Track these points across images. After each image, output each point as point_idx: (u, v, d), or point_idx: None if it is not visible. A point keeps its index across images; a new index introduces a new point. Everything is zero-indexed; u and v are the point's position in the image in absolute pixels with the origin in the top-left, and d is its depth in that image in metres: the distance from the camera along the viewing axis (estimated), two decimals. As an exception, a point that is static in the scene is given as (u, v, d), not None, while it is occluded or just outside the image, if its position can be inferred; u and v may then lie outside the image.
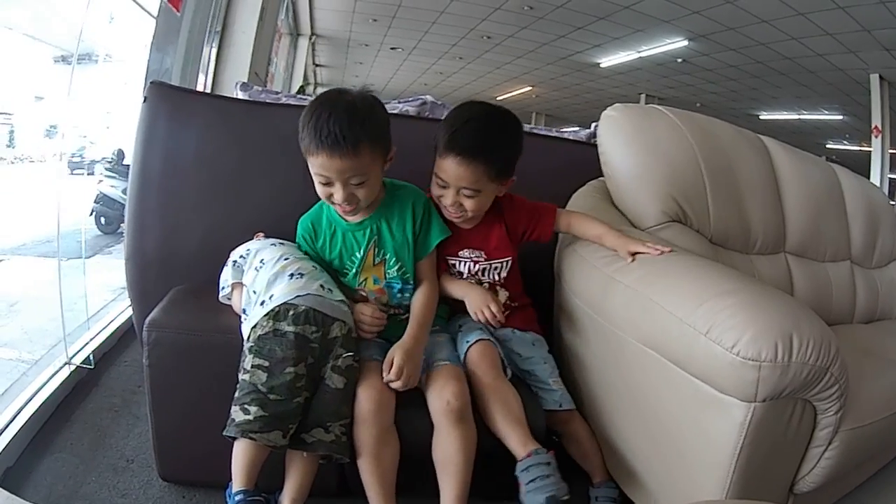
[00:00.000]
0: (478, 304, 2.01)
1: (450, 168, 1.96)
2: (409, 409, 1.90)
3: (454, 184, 1.97)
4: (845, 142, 18.78)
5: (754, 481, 1.60)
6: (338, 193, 1.86)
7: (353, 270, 2.04)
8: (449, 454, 1.83)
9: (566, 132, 3.26)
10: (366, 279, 2.06)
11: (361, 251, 2.03)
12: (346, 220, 2.02)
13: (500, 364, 2.01)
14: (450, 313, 2.22)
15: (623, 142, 2.37)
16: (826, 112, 15.82)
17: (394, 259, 2.04)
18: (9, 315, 4.28)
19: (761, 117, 16.98)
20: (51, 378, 2.63)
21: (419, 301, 2.05)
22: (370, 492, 1.84)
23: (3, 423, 2.24)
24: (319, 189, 1.90)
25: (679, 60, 13.17)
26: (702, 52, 12.40)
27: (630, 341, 1.83)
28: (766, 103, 15.85)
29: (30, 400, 2.44)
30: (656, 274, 1.84)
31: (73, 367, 2.75)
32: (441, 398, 1.86)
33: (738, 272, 1.90)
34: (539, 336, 2.24)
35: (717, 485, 1.60)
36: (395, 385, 1.84)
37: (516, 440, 1.83)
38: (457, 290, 2.11)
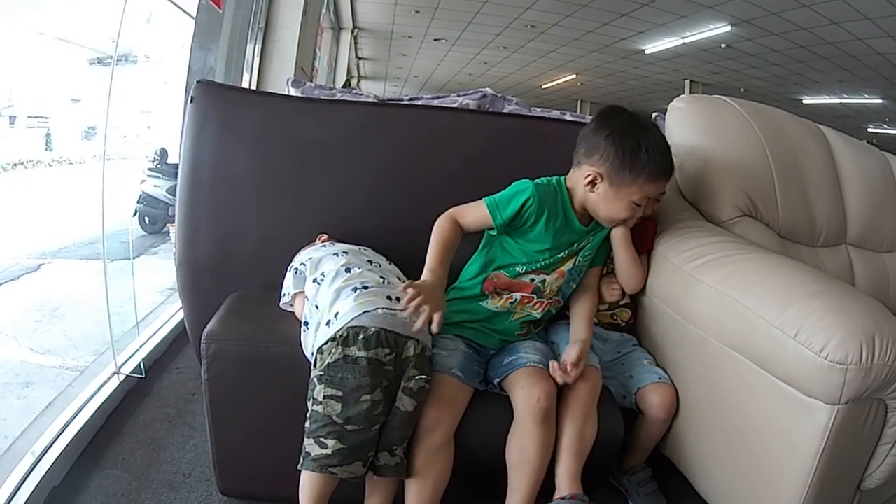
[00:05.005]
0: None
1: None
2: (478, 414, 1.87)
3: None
4: (885, 125, 18.88)
5: (829, 482, 1.57)
6: (640, 212, 1.96)
7: (547, 262, 1.97)
8: (527, 454, 1.78)
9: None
10: (560, 267, 2.01)
11: (571, 250, 1.99)
12: (582, 224, 2.00)
13: (598, 393, 1.93)
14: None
15: (694, 135, 2.37)
16: (867, 96, 15.79)
17: (588, 259, 2.06)
18: (51, 321, 4.26)
19: (805, 101, 16.91)
20: (100, 389, 2.55)
21: (587, 304, 2.08)
22: None
23: (49, 439, 2.16)
24: (622, 209, 1.92)
25: (723, 46, 13.12)
26: (745, 38, 12.34)
27: (712, 342, 1.81)
28: (809, 88, 15.77)
29: (78, 412, 2.35)
30: (740, 273, 1.81)
31: (122, 377, 2.67)
32: (531, 395, 1.79)
33: (817, 270, 1.87)
34: (629, 336, 2.24)
35: (796, 489, 1.58)
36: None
37: (567, 472, 1.81)
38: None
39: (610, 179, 1.88)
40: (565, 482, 1.79)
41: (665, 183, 1.93)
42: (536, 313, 2.01)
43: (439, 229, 1.92)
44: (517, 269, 1.96)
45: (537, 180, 1.95)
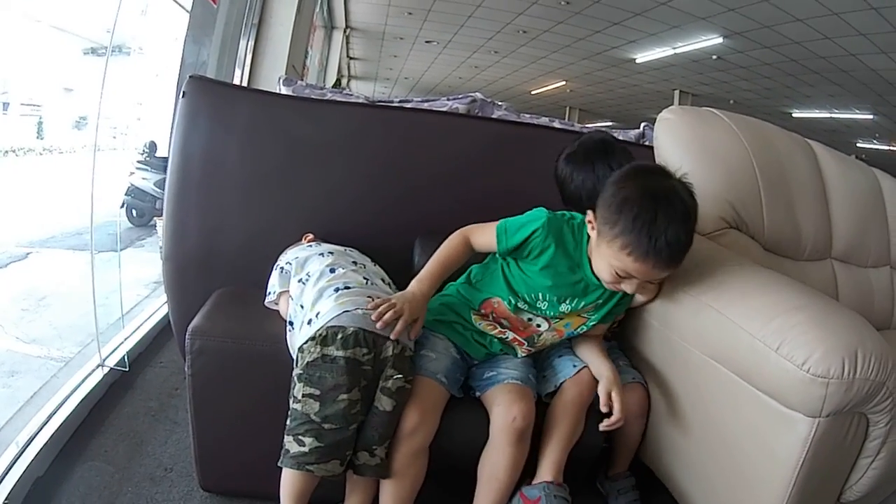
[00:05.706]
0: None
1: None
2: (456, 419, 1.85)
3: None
4: (875, 141, 18.83)
5: (809, 494, 1.57)
6: (631, 287, 1.74)
7: (551, 312, 1.89)
8: (496, 471, 1.79)
9: (596, 127, 3.23)
10: (560, 321, 1.92)
11: (584, 304, 1.88)
12: (593, 271, 1.82)
13: (593, 395, 1.89)
14: None
15: (681, 146, 2.34)
16: (857, 111, 15.77)
17: (599, 318, 1.93)
18: (37, 310, 4.25)
19: (794, 115, 16.89)
20: (84, 380, 2.55)
21: (598, 346, 1.98)
22: None
23: (33, 429, 2.16)
24: (603, 268, 1.73)
25: (714, 57, 13.09)
26: (736, 50, 12.33)
27: (695, 353, 1.79)
28: (799, 101, 15.78)
29: (62, 404, 2.35)
30: (724, 286, 1.79)
31: (106, 370, 2.68)
32: (508, 413, 1.77)
33: (802, 284, 1.84)
34: (614, 342, 2.21)
35: (776, 499, 1.58)
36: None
37: (553, 463, 1.82)
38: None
39: (598, 228, 1.72)
40: (550, 470, 1.80)
41: (656, 271, 1.67)
42: (521, 354, 1.99)
43: (447, 245, 1.89)
44: (518, 302, 1.89)
45: (556, 212, 1.84)
